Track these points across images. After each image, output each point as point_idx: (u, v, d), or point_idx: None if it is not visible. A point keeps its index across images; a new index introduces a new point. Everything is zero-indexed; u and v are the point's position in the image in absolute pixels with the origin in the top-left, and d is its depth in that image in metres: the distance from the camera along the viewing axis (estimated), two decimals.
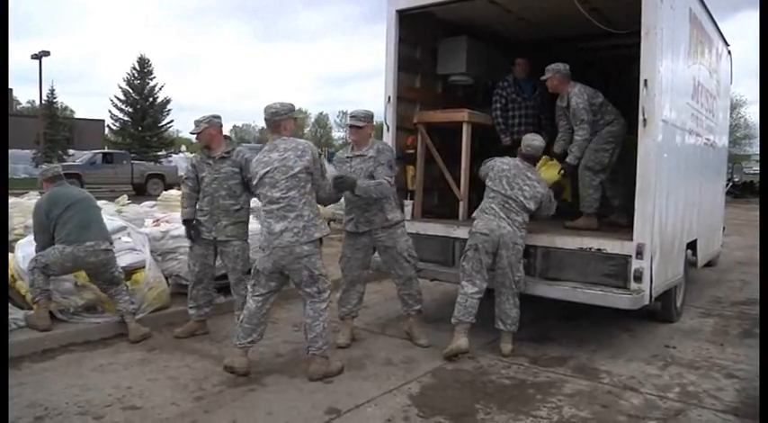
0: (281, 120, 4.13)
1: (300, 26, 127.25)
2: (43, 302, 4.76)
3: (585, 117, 5.29)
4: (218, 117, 5.05)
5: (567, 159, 5.39)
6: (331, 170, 4.85)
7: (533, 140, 4.92)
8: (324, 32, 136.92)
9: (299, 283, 4.09)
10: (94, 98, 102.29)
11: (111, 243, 4.99)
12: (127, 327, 4.88)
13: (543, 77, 5.49)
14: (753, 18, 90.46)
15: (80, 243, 4.76)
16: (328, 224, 12.64)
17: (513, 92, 6.24)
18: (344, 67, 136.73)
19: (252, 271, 4.19)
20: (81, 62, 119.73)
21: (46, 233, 4.84)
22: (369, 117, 4.74)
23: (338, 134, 79.48)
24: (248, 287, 4.22)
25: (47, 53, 28.85)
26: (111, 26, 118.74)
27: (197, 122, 4.96)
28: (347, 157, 4.82)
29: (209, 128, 4.93)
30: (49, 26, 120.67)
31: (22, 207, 8.42)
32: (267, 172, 4.00)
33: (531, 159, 4.94)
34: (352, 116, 4.77)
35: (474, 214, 4.89)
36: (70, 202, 4.87)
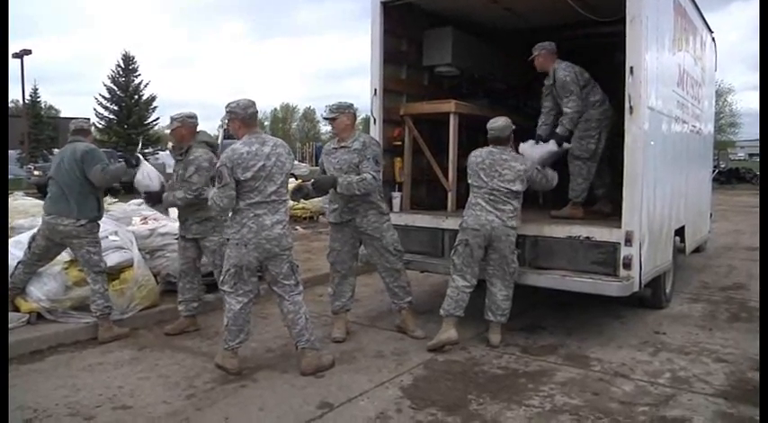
0: (257, 114, 4.16)
1: (298, 22, 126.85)
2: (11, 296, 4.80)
3: (574, 88, 5.32)
4: (193, 117, 5.01)
5: (557, 130, 5.37)
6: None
7: (495, 122, 4.82)
8: (321, 28, 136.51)
9: (277, 276, 4.06)
10: (85, 97, 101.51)
11: (78, 220, 4.74)
12: (97, 328, 4.81)
13: (531, 57, 5.51)
14: (744, 10, 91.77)
15: (47, 214, 4.77)
16: (316, 219, 12.66)
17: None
18: (340, 62, 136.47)
19: (231, 271, 4.01)
20: (75, 62, 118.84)
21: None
22: (341, 108, 4.74)
23: (326, 128, 79.55)
24: (226, 288, 4.05)
25: (28, 52, 28.50)
26: (109, 25, 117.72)
27: (171, 119, 4.96)
28: (333, 149, 4.83)
29: (180, 127, 4.92)
30: (45, 25, 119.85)
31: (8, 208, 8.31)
32: (263, 165, 3.96)
33: (500, 141, 4.77)
34: (325, 110, 4.83)
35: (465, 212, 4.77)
36: (52, 175, 4.81)
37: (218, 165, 4.02)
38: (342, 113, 4.72)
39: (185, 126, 4.92)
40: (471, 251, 4.58)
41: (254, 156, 3.95)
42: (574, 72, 5.37)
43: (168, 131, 5.05)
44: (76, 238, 4.75)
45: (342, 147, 4.74)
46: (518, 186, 4.65)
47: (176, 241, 5.32)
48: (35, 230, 4.97)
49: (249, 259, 3.97)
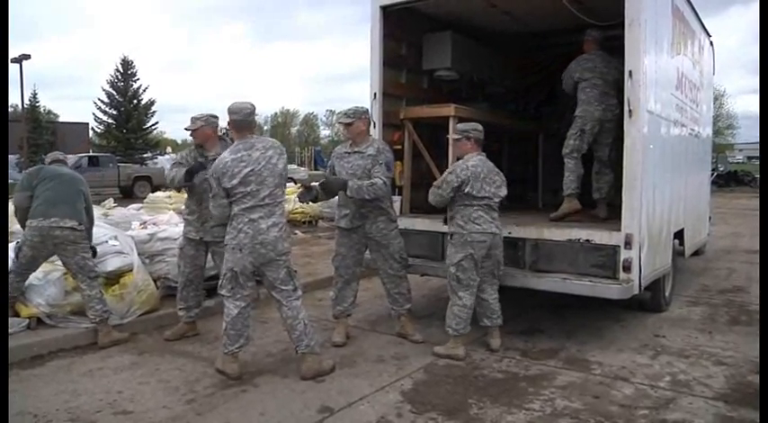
0: (254, 119, 4.19)
1: (298, 24, 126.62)
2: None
3: (565, 78, 5.64)
4: (216, 117, 5.01)
5: None
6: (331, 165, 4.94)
7: (477, 125, 4.74)
8: (321, 32, 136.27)
9: (274, 282, 4.06)
10: (83, 102, 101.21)
11: (81, 223, 4.78)
12: (97, 333, 4.80)
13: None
14: (743, 14, 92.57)
15: (45, 218, 4.68)
16: (315, 223, 12.66)
17: None
18: (339, 66, 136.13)
19: (228, 275, 4.03)
20: (73, 65, 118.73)
21: (24, 191, 4.82)
22: (357, 113, 4.75)
23: (325, 132, 79.67)
24: (224, 292, 4.06)
25: (27, 56, 28.42)
26: (109, 25, 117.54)
27: (194, 119, 4.91)
28: (346, 152, 4.83)
29: (205, 126, 4.89)
30: (45, 25, 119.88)
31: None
32: (252, 170, 3.97)
33: (482, 144, 4.76)
34: (341, 114, 4.82)
35: (452, 227, 4.60)
36: (49, 176, 4.81)
37: (206, 175, 4.08)
38: (358, 119, 4.74)
39: (210, 125, 4.92)
40: (476, 263, 4.54)
41: (238, 162, 3.97)
42: (571, 66, 5.61)
43: (190, 131, 4.91)
44: (72, 244, 4.73)
45: (356, 152, 4.75)
46: (504, 191, 4.66)
47: (176, 245, 5.28)
48: (20, 240, 4.88)
49: (244, 264, 3.96)
